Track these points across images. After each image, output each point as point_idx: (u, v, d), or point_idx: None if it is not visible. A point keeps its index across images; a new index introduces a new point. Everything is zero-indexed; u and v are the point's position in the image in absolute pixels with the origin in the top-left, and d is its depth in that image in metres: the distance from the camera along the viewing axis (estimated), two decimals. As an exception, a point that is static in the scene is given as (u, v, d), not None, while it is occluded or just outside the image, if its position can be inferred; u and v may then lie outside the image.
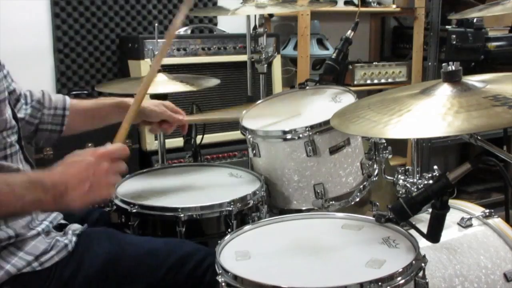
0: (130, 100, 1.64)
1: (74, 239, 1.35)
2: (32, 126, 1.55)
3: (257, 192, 1.64)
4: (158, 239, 1.48)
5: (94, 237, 1.39)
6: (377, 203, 1.56)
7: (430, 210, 1.27)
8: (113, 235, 1.43)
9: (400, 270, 1.13)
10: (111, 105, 1.68)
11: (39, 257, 1.28)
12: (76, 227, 1.41)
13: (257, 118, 1.87)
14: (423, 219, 1.47)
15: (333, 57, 1.97)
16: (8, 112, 1.31)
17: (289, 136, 1.68)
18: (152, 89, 2.03)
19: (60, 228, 1.40)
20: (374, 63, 3.31)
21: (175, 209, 1.52)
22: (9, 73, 1.46)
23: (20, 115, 1.49)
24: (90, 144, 2.53)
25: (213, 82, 2.11)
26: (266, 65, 2.31)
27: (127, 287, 1.35)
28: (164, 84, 2.04)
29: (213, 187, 1.76)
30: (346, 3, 3.27)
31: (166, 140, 2.17)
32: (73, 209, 1.19)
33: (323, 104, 1.87)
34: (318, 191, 1.71)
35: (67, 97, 1.63)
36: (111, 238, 1.41)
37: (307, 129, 1.66)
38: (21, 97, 1.51)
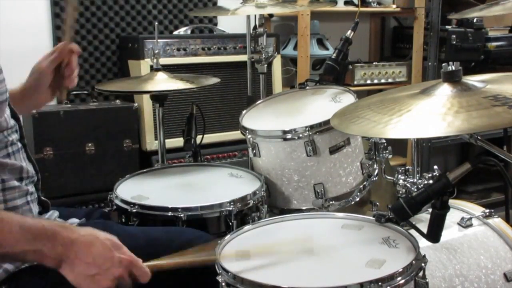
0: (39, 64, 1.52)
1: None
2: None
3: (257, 192, 1.64)
4: (157, 228, 1.47)
5: None
6: (377, 203, 1.56)
7: (430, 210, 1.27)
8: (112, 227, 1.41)
9: (400, 270, 1.13)
10: (28, 77, 1.53)
11: None
12: (74, 221, 1.40)
13: (257, 118, 1.87)
14: (423, 219, 1.47)
15: (333, 57, 1.97)
16: (7, 113, 1.31)
17: (289, 136, 1.69)
18: (152, 87, 2.03)
19: None
20: (374, 63, 3.31)
21: (175, 209, 1.52)
22: None
23: None
24: (90, 144, 2.54)
25: (213, 80, 2.11)
26: (266, 65, 2.31)
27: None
28: (164, 82, 2.03)
29: (213, 187, 1.76)
30: (346, 3, 3.27)
31: (166, 140, 2.17)
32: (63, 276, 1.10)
33: (323, 104, 1.87)
34: (318, 191, 1.71)
35: None
36: (109, 230, 1.40)
37: (307, 129, 1.66)
38: None
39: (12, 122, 1.34)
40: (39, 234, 1.08)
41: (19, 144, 1.35)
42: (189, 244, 1.39)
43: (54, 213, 1.42)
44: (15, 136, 1.33)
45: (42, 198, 1.41)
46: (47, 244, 1.08)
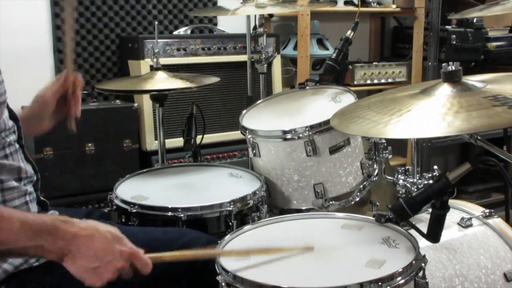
0: (43, 93, 1.54)
1: None
2: None
3: (257, 192, 1.64)
4: (157, 228, 1.47)
5: None
6: (377, 203, 1.56)
7: (430, 210, 1.27)
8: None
9: (400, 270, 1.13)
10: (32, 104, 1.56)
11: None
12: None
13: (257, 118, 1.87)
14: (423, 219, 1.47)
15: (333, 57, 1.97)
16: (5, 114, 1.31)
17: (289, 136, 1.69)
18: (152, 86, 2.03)
19: None
20: (374, 63, 3.31)
21: (175, 209, 1.52)
22: None
23: None
24: (90, 144, 2.54)
25: (213, 80, 2.11)
26: (266, 65, 2.31)
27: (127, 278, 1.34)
28: (164, 81, 2.03)
29: (213, 187, 1.76)
30: (346, 3, 3.26)
31: (166, 140, 2.17)
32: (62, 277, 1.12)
33: (323, 104, 1.87)
34: (318, 191, 1.71)
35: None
36: None
37: (307, 129, 1.66)
38: None
39: (10, 123, 1.34)
40: (40, 229, 1.08)
41: (17, 145, 1.34)
42: (188, 244, 1.39)
43: (53, 214, 1.42)
44: (13, 137, 1.33)
45: (41, 198, 1.41)
46: (48, 239, 1.08)
